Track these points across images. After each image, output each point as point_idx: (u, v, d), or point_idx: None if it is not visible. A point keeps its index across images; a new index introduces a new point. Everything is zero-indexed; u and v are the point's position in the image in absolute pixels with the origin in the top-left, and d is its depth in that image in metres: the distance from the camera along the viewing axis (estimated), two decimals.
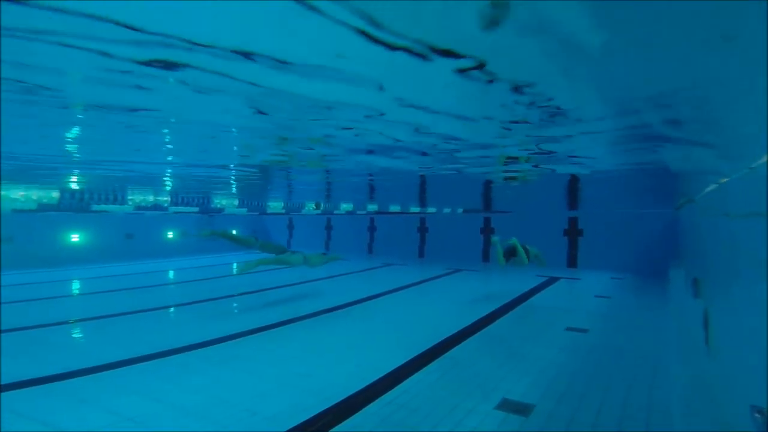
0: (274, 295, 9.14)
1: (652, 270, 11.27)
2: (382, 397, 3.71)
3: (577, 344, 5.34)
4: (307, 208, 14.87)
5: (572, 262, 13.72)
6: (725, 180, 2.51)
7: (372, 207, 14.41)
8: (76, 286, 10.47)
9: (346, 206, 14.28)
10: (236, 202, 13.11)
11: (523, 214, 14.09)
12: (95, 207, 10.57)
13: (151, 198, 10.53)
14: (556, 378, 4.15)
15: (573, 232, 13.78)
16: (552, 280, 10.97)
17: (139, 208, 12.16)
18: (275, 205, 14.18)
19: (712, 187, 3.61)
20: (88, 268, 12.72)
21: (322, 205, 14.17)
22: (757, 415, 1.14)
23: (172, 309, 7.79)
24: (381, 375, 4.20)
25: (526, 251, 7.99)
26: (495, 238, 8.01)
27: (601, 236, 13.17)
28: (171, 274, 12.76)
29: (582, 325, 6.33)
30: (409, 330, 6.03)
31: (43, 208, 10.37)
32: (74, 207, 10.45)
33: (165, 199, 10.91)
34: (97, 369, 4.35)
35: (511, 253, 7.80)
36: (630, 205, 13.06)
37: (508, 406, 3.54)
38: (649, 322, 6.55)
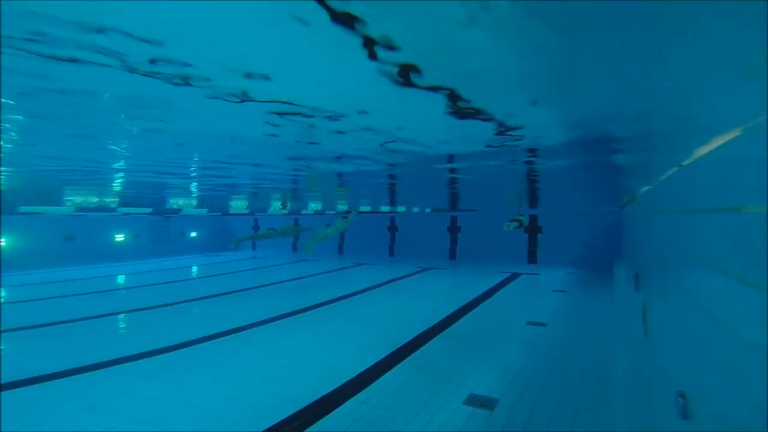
0: (239, 298, 8.90)
1: (601, 265, 12.15)
2: (356, 396, 3.78)
3: (536, 338, 5.69)
4: (272, 207, 14.44)
5: (532, 258, 14.46)
6: (661, 179, 2.74)
7: (342, 207, 14.31)
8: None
9: (314, 206, 14.09)
10: (194, 203, 12.41)
11: (487, 212, 14.64)
12: (23, 209, 9.48)
13: (95, 199, 9.56)
14: (518, 373, 4.41)
15: (533, 229, 14.51)
16: (514, 276, 11.53)
17: (80, 209, 11.03)
18: (238, 205, 13.63)
19: (648, 186, 3.94)
20: (20, 274, 11.67)
21: (288, 204, 13.85)
22: (680, 399, 1.34)
23: (123, 315, 7.37)
24: (353, 375, 4.27)
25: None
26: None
27: (559, 233, 13.98)
28: (115, 279, 12.02)
29: (541, 319, 6.74)
30: (380, 329, 6.12)
31: None
32: None
33: (112, 199, 9.96)
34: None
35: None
36: (583, 203, 13.96)
37: (475, 401, 3.74)
38: (599, 315, 7.09)
